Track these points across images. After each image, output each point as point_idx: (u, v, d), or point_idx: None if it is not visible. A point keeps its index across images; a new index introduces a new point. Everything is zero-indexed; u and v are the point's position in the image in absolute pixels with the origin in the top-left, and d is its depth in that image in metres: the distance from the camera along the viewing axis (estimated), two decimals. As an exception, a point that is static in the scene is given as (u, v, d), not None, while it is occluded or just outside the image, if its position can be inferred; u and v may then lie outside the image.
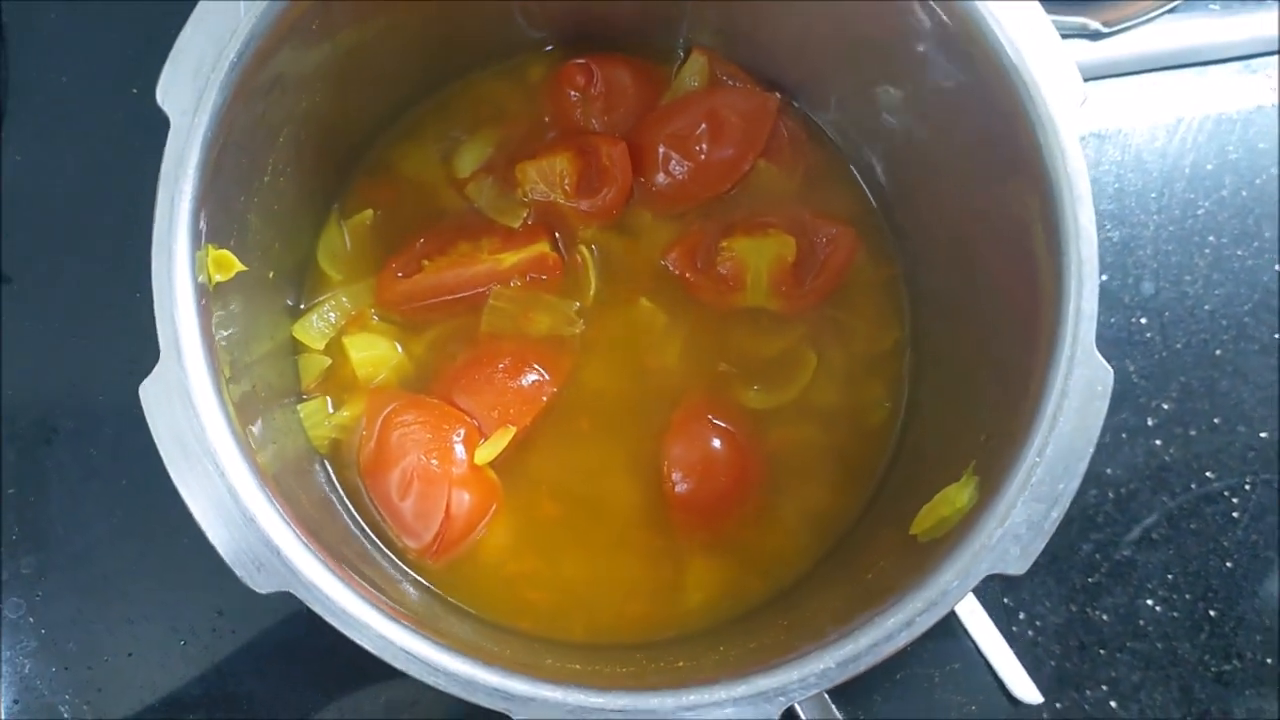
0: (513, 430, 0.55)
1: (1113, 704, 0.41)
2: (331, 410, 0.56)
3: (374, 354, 0.56)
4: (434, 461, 0.53)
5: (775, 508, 0.57)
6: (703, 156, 0.57)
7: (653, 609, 0.55)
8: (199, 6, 0.43)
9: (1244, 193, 0.67)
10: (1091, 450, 0.42)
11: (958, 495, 0.46)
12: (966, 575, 0.41)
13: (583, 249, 0.58)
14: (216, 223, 0.44)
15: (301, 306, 0.57)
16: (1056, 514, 0.41)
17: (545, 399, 0.56)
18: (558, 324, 0.57)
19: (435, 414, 0.55)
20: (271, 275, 0.52)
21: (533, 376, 0.56)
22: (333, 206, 0.58)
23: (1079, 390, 0.42)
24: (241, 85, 0.43)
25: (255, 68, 0.44)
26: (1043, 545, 0.41)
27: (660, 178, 0.58)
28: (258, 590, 0.40)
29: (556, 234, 0.58)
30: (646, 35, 0.60)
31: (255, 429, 0.46)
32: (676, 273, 0.58)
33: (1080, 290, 0.42)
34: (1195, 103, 0.68)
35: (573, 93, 0.59)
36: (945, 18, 0.45)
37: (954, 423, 0.53)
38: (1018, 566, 0.42)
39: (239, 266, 0.45)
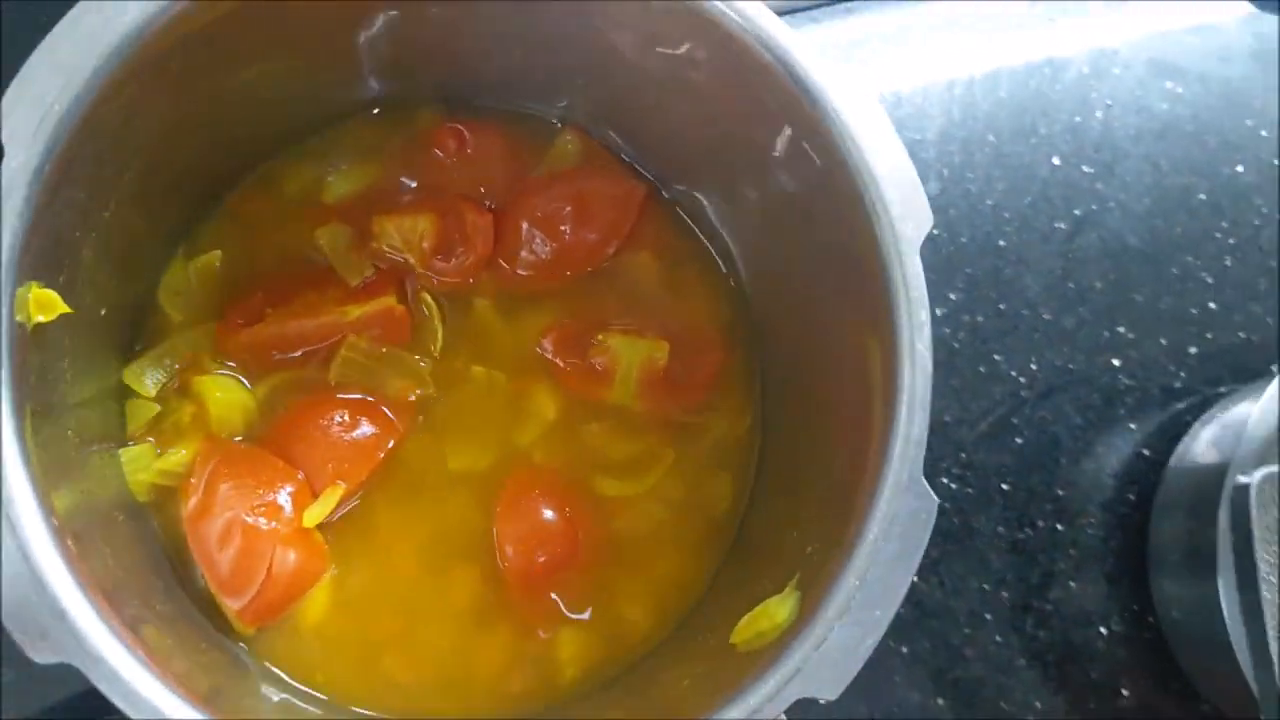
0: (342, 488, 0.54)
1: (914, 579, 0.41)
2: (159, 455, 0.53)
3: (230, 397, 0.54)
4: (260, 520, 0.51)
5: (617, 584, 0.56)
6: (566, 237, 0.57)
7: (532, 684, 0.55)
8: (49, 37, 0.41)
9: (1019, 93, 0.72)
10: (910, 580, 0.42)
11: (778, 609, 0.46)
12: (777, 698, 0.41)
13: (426, 298, 0.57)
14: (45, 258, 0.42)
15: (137, 348, 0.55)
16: (871, 641, 0.42)
17: (381, 455, 0.55)
18: (408, 384, 0.56)
19: (265, 467, 0.53)
20: (104, 313, 0.50)
21: (369, 430, 0.55)
22: (179, 245, 0.56)
23: (904, 518, 0.42)
24: (86, 121, 0.41)
25: (104, 103, 0.42)
26: (856, 670, 0.41)
27: (523, 253, 0.58)
28: (37, 659, 0.38)
29: (406, 288, 0.57)
30: (518, 101, 0.59)
31: (60, 477, 0.44)
32: (549, 357, 0.57)
33: (911, 419, 0.42)
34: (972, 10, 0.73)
35: (442, 154, 0.58)
36: (805, 133, 0.45)
37: (786, 526, 0.53)
38: (830, 691, 0.41)
39: (63, 308, 0.43)
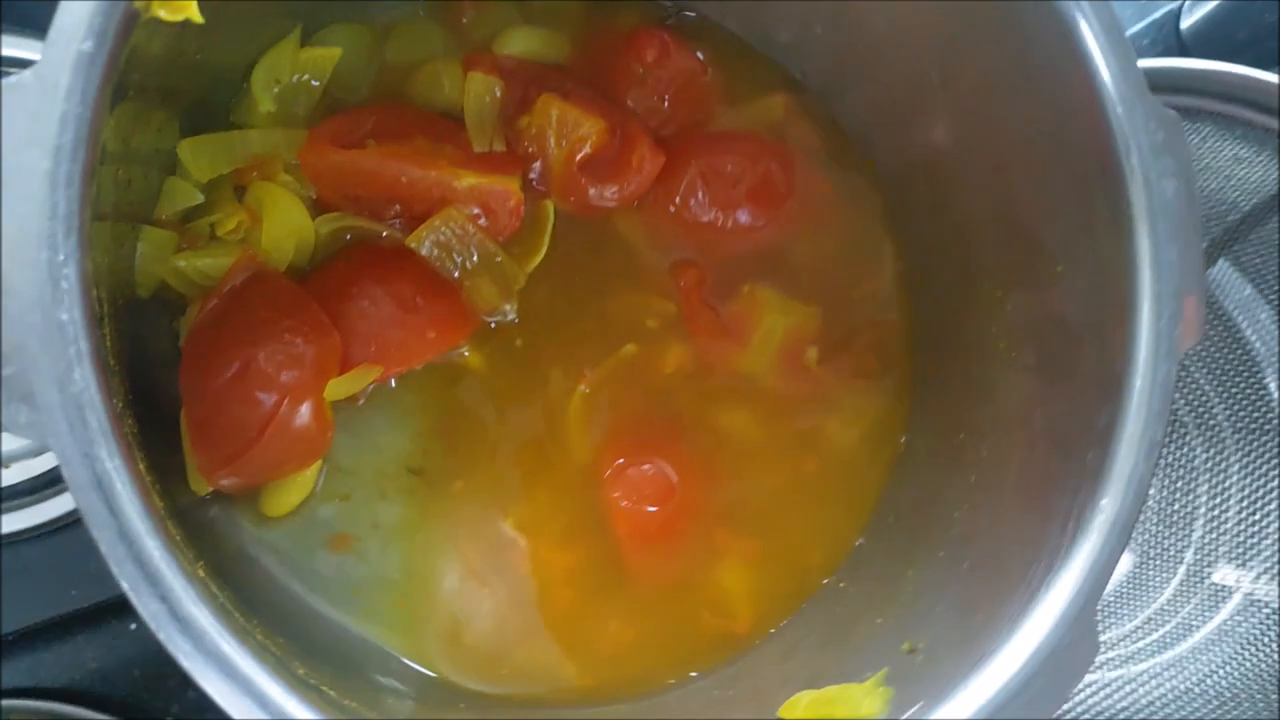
0: (377, 372, 0.44)
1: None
2: (182, 249, 0.42)
3: (291, 219, 0.44)
4: (277, 365, 0.41)
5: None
6: (732, 208, 0.49)
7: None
8: None
9: None
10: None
11: (864, 701, 0.36)
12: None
13: (549, 205, 0.48)
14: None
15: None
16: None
17: (435, 355, 0.46)
18: (493, 292, 0.46)
19: (303, 311, 0.43)
20: (199, 58, 0.39)
21: (432, 323, 0.45)
22: (298, 25, 0.46)
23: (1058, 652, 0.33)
24: None
25: None
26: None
27: (675, 201, 0.49)
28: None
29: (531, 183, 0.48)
30: (742, 26, 0.51)
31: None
32: (679, 291, 0.48)
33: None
34: None
35: (636, 62, 0.49)
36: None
37: (891, 591, 0.44)
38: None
39: (193, 14, 0.33)
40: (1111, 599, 0.66)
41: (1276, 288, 0.61)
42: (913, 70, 0.45)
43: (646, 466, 0.46)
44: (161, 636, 0.29)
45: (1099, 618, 0.65)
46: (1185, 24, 0.68)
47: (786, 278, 0.49)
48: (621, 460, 0.47)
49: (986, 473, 0.44)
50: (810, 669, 0.42)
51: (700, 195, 0.49)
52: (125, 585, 0.29)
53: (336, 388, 0.43)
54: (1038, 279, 0.41)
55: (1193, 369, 0.65)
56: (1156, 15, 0.71)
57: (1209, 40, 0.67)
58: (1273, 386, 0.63)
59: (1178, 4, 0.70)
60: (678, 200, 0.49)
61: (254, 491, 0.44)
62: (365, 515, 0.45)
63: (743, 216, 0.49)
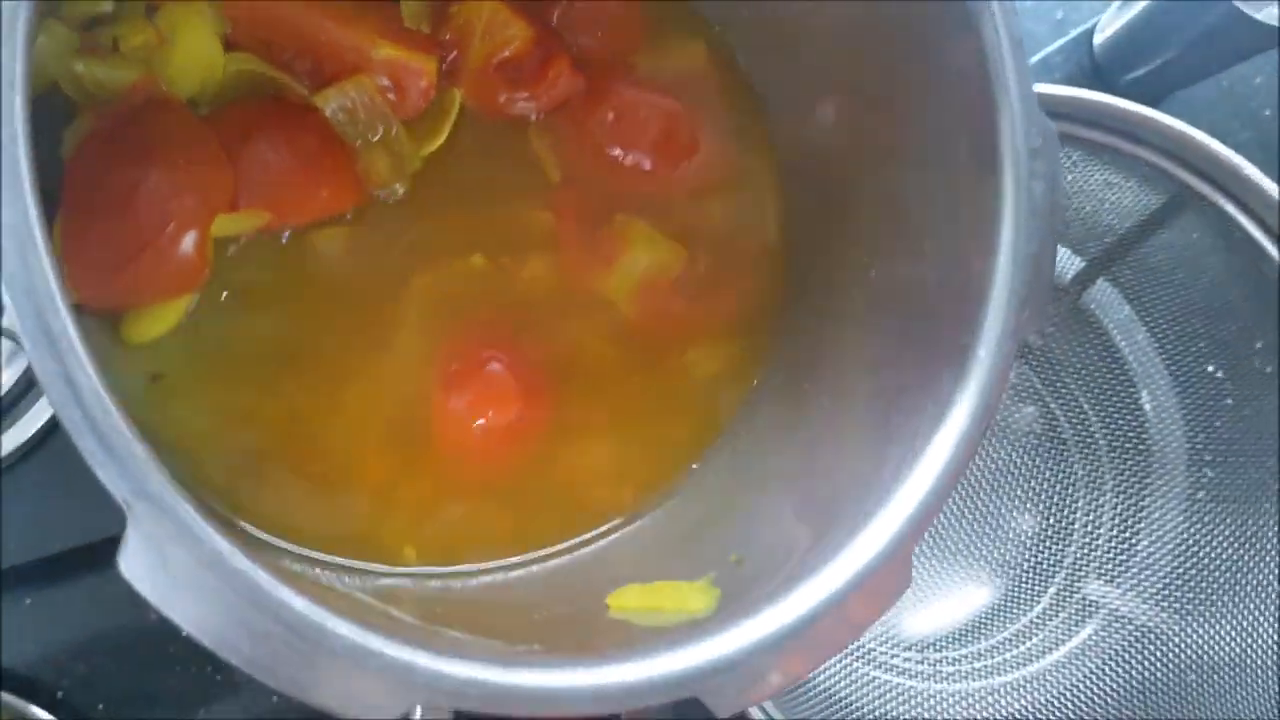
0: (265, 218, 0.43)
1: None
2: (80, 52, 0.41)
3: (201, 50, 0.43)
4: (169, 187, 0.40)
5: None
6: (629, 155, 0.50)
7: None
8: None
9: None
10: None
11: (693, 597, 0.36)
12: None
13: (457, 94, 0.48)
14: None
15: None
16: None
17: (322, 214, 0.45)
18: (388, 166, 0.46)
19: (200, 143, 0.42)
20: None
21: (325, 179, 0.45)
22: None
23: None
24: None
25: None
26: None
27: (578, 133, 0.50)
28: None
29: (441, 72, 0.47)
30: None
31: None
32: (559, 207, 0.48)
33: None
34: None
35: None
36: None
37: (724, 513, 0.44)
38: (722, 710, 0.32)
39: None
40: (984, 612, 0.66)
41: (1153, 309, 0.63)
42: (827, 47, 0.48)
43: (489, 368, 0.46)
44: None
45: (972, 629, 0.65)
46: (1097, 41, 0.71)
47: (664, 219, 0.50)
48: (457, 365, 0.46)
49: (829, 419, 0.45)
50: (640, 570, 0.42)
51: (608, 130, 0.49)
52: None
53: (225, 224, 0.42)
54: (906, 254, 0.44)
55: (1072, 387, 0.66)
56: (1074, 33, 0.74)
57: (1118, 58, 0.71)
58: (1148, 406, 0.64)
59: (1092, 24, 0.73)
60: (586, 128, 0.49)
61: (115, 316, 0.42)
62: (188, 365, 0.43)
63: (644, 162, 0.50)
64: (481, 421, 0.46)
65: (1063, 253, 0.63)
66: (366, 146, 0.45)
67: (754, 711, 0.52)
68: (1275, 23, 0.60)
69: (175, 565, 0.25)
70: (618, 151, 0.50)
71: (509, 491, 0.46)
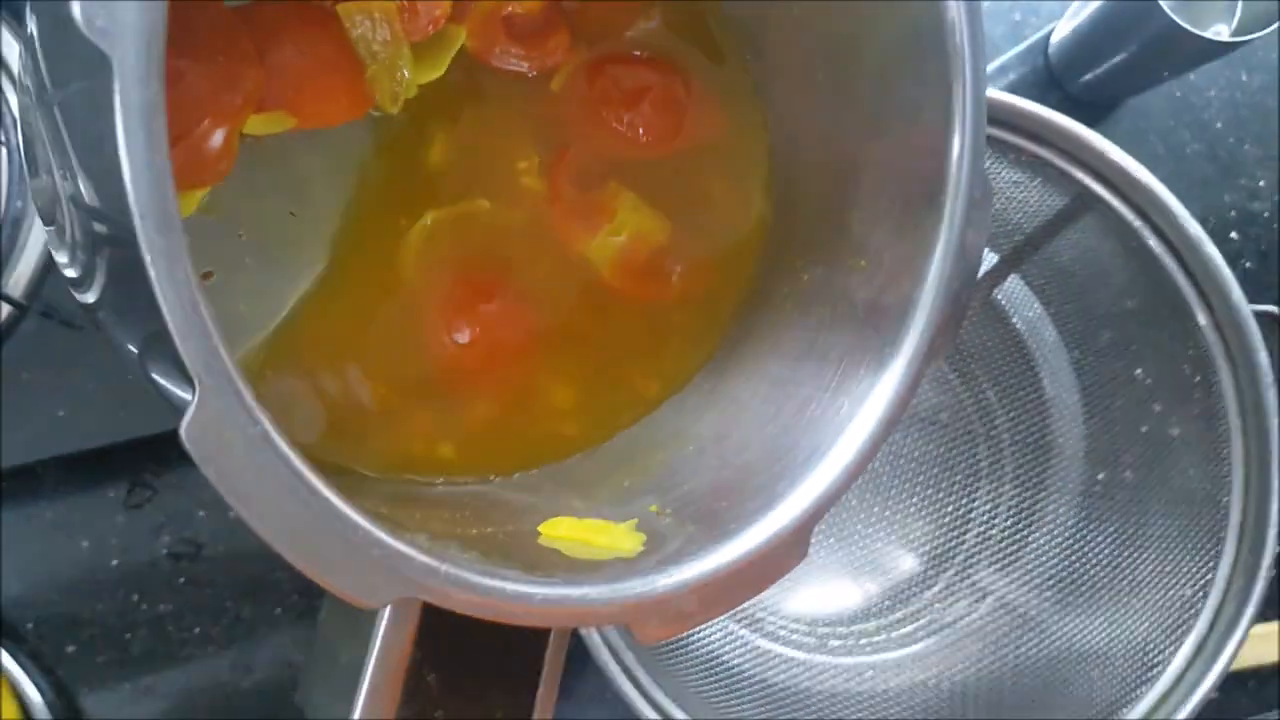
0: (290, 123, 0.45)
1: None
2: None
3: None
4: (209, 83, 0.42)
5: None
6: (625, 126, 0.51)
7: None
8: None
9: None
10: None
11: (622, 538, 0.39)
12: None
13: (460, 30, 0.48)
14: None
15: None
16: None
17: (335, 124, 0.46)
18: (387, 93, 0.47)
19: (238, 41, 0.43)
20: None
21: (344, 99, 0.46)
22: None
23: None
24: None
25: None
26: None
27: (579, 96, 0.51)
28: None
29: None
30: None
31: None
32: (551, 166, 0.50)
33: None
34: None
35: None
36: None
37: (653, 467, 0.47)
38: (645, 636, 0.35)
39: None
40: (877, 591, 0.68)
41: (1060, 308, 0.65)
42: (813, 59, 0.49)
43: (483, 307, 0.48)
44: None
45: (863, 607, 0.67)
46: (1052, 45, 0.73)
47: (653, 192, 0.52)
48: (452, 297, 0.48)
49: (750, 398, 0.48)
50: (569, 506, 0.44)
51: (608, 100, 0.51)
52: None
53: (257, 124, 0.44)
54: (840, 265, 0.46)
55: (982, 379, 0.68)
56: (1032, 38, 0.76)
57: (1070, 64, 0.72)
58: (1051, 404, 0.66)
59: (1049, 29, 0.75)
60: (586, 95, 0.51)
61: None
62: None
63: (640, 133, 0.51)
64: (466, 341, 0.48)
65: (975, 248, 0.65)
66: (374, 63, 0.46)
67: (623, 682, 0.54)
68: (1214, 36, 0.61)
69: (231, 442, 0.26)
70: (615, 122, 0.51)
71: (479, 418, 0.49)
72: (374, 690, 0.33)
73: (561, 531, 0.41)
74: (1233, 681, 0.71)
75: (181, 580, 0.68)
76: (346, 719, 0.33)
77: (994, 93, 0.57)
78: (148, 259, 0.23)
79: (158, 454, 0.68)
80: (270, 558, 0.68)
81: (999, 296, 0.65)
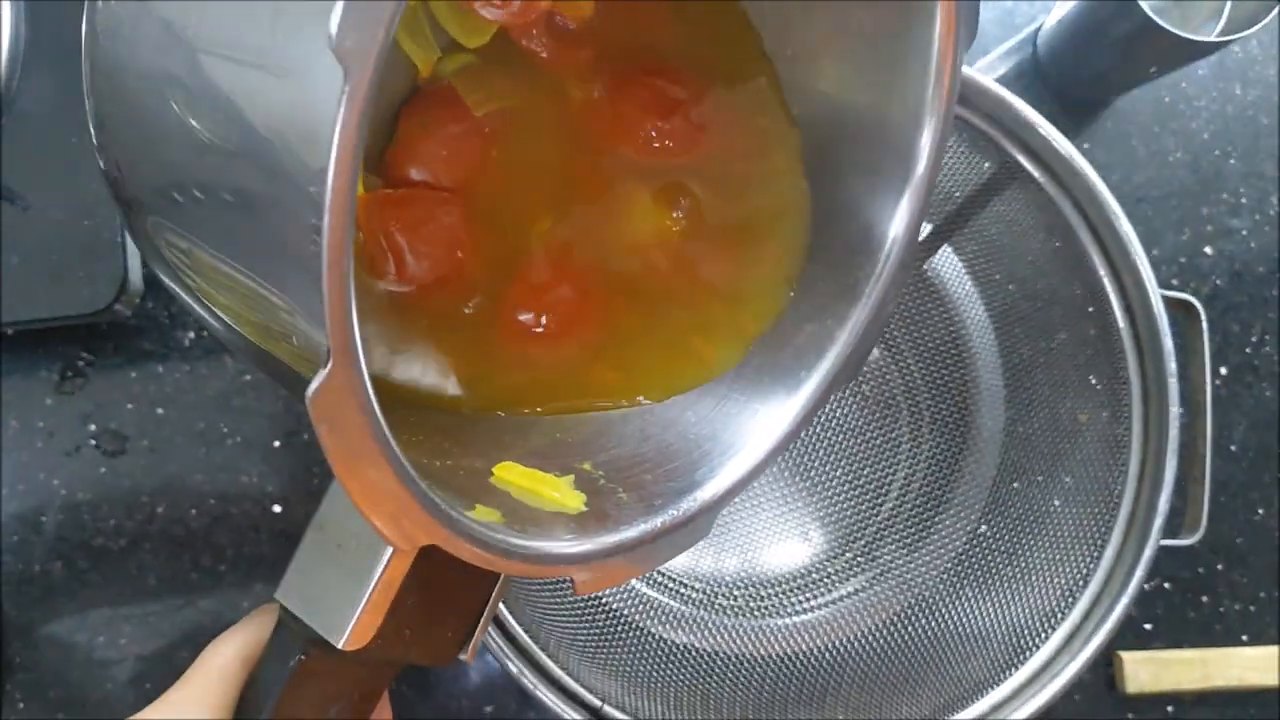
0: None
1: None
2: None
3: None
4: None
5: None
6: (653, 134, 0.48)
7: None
8: None
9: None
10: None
11: (567, 494, 0.40)
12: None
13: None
14: None
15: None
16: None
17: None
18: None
19: None
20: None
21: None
22: None
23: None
24: None
25: None
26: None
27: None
28: None
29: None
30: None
31: None
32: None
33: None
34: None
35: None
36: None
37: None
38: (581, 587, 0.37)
39: None
40: (783, 560, 0.67)
41: (988, 284, 0.63)
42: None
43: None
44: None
45: (766, 574, 0.66)
46: (1040, 39, 0.71)
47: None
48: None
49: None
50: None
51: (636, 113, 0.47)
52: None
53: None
54: None
55: (908, 354, 0.66)
56: (1024, 31, 0.75)
57: (1056, 58, 0.71)
58: (979, 382, 0.64)
59: (1039, 22, 0.73)
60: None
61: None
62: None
63: (664, 140, 0.47)
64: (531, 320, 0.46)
65: (908, 215, 0.63)
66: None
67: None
68: (1185, 33, 0.59)
69: (344, 409, 0.28)
70: (641, 129, 0.47)
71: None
72: (373, 604, 0.35)
73: (513, 477, 0.41)
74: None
75: (103, 470, 0.69)
76: (344, 617, 0.36)
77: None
78: (325, 235, 0.24)
79: (91, 341, 0.69)
80: (191, 460, 0.69)
81: (933, 269, 0.63)
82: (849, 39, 0.41)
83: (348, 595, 0.36)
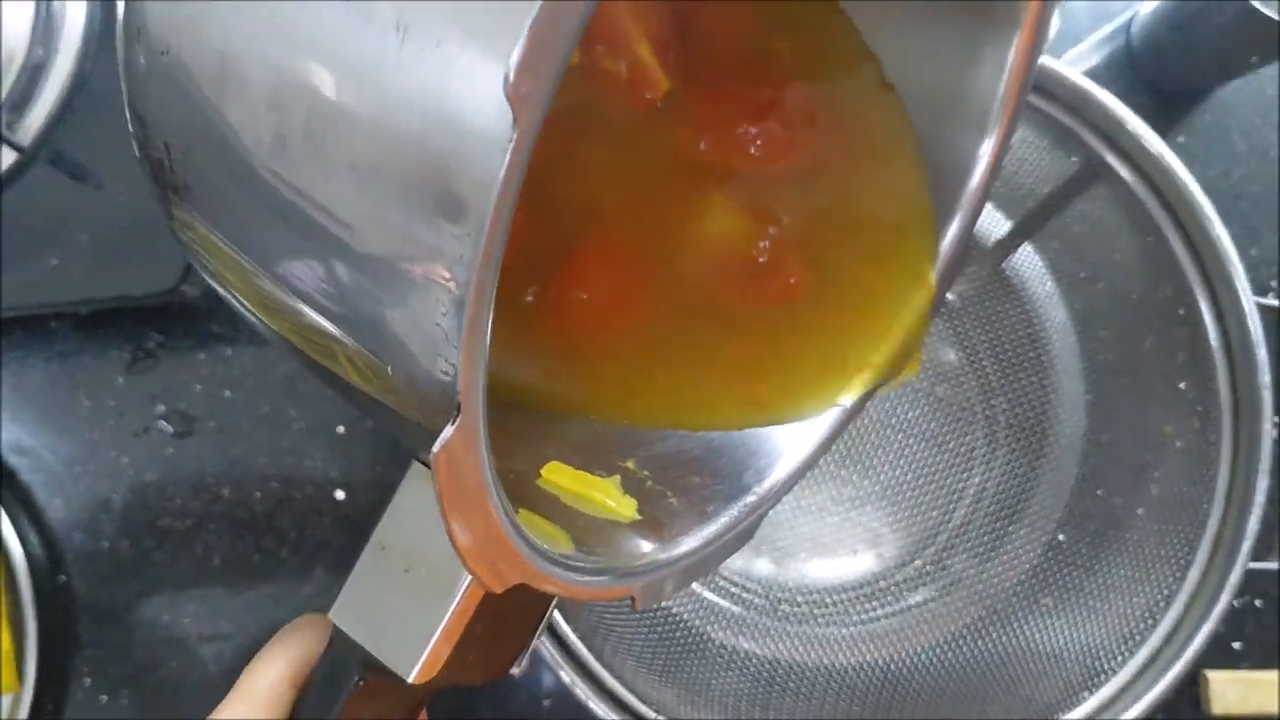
0: None
1: None
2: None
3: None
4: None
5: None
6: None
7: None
8: None
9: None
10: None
11: (618, 500, 0.38)
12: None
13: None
14: None
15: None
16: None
17: None
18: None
19: None
20: None
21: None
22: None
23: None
24: None
25: None
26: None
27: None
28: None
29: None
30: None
31: None
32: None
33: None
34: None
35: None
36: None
37: None
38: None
39: None
40: (849, 566, 0.65)
41: (1072, 286, 0.60)
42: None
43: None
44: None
45: (830, 580, 0.64)
46: (1134, 29, 0.68)
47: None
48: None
49: None
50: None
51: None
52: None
53: None
54: None
55: (985, 357, 0.64)
56: (1117, 20, 0.71)
57: (1150, 48, 0.67)
58: (1054, 389, 0.61)
59: (1133, 12, 0.70)
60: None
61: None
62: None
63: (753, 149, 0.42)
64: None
65: (988, 212, 0.61)
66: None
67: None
68: None
69: (463, 464, 0.26)
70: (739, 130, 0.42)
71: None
72: (446, 635, 0.34)
73: (562, 480, 0.39)
74: None
75: (170, 451, 0.69)
76: (414, 648, 0.34)
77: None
78: (473, 291, 0.21)
79: (162, 323, 0.70)
80: (256, 444, 0.69)
81: (1012, 269, 0.61)
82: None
83: (416, 625, 0.34)
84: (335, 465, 0.69)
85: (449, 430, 0.23)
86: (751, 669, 0.59)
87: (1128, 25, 0.71)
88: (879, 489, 0.64)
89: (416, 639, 0.34)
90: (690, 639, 0.59)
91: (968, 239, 0.36)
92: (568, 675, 0.48)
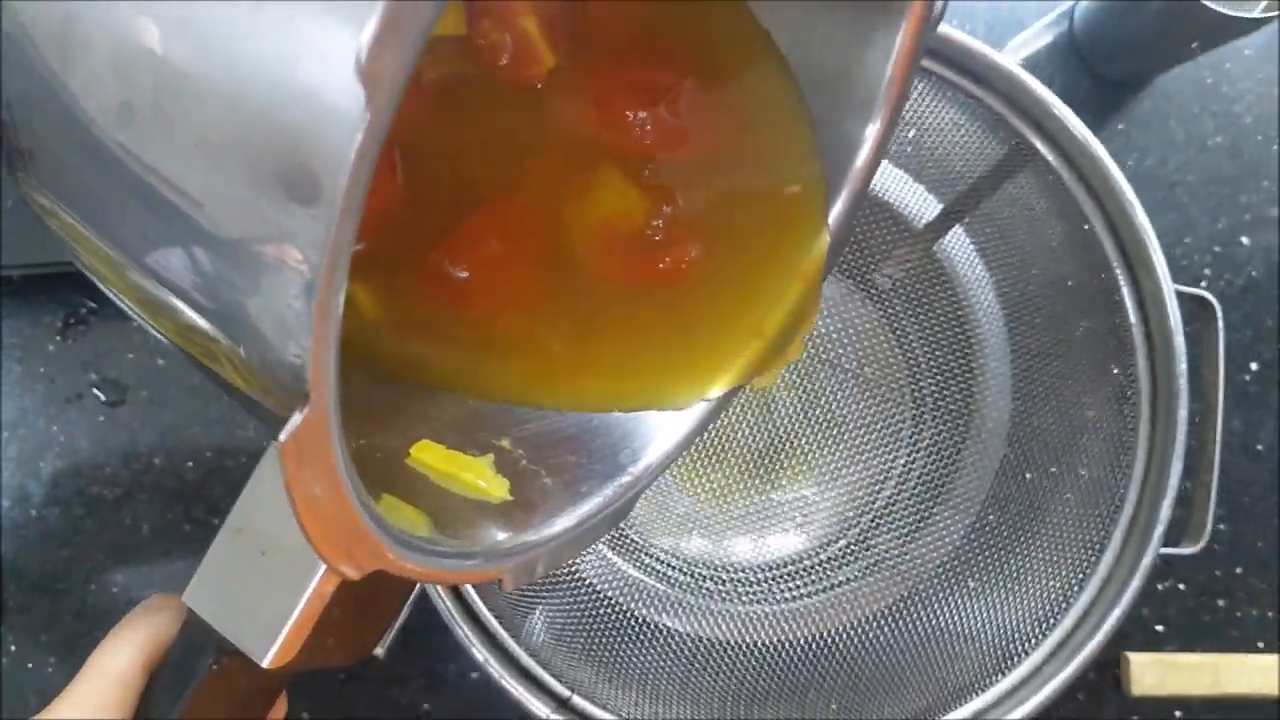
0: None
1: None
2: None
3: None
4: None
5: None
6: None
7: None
8: None
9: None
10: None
11: (489, 479, 0.37)
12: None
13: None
14: None
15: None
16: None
17: None
18: None
19: None
20: None
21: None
22: None
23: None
24: None
25: None
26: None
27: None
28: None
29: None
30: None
31: None
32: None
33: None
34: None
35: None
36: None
37: None
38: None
39: None
40: (775, 545, 0.65)
41: (1000, 270, 0.60)
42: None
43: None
44: None
45: (760, 558, 0.64)
46: (1077, 16, 0.68)
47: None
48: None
49: None
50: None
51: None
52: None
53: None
54: None
55: (913, 339, 0.64)
56: (1061, 7, 0.71)
57: (1092, 36, 0.68)
58: (985, 372, 0.62)
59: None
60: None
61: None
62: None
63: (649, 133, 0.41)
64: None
65: (920, 195, 0.61)
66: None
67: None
68: (1227, 9, 0.56)
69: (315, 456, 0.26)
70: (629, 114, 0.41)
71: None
72: (302, 620, 0.33)
73: (432, 460, 0.38)
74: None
75: (101, 419, 0.69)
76: (270, 632, 0.34)
77: (945, 29, 0.53)
78: (324, 274, 0.21)
79: (94, 289, 0.69)
80: (189, 413, 0.68)
81: (942, 251, 0.61)
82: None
83: (272, 609, 0.33)
84: (267, 435, 0.68)
85: (297, 417, 0.23)
86: (673, 646, 0.59)
87: (1071, 12, 0.71)
88: (806, 468, 0.64)
89: (272, 623, 0.33)
90: (614, 616, 0.59)
91: (852, 220, 0.36)
92: (480, 653, 0.48)
